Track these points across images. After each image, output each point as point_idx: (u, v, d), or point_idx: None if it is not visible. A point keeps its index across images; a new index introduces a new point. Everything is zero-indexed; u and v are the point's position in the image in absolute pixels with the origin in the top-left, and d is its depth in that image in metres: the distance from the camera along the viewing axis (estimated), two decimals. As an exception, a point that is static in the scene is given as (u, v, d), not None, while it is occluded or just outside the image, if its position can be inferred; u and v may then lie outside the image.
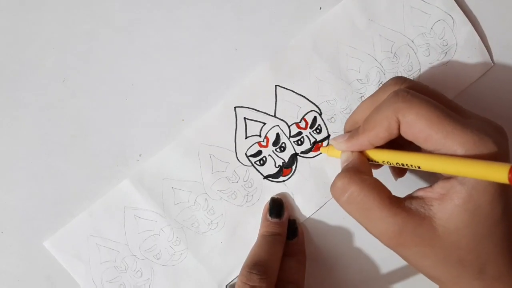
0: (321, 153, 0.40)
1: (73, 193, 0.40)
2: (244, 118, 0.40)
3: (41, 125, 0.40)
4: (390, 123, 0.30)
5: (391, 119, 0.30)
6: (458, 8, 0.40)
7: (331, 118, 0.40)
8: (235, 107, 0.40)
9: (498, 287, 0.30)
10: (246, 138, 0.40)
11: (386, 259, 0.42)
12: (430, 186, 0.30)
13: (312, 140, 0.40)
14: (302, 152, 0.41)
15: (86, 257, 0.40)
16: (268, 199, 0.41)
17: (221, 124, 0.40)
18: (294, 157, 0.41)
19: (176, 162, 0.40)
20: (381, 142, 0.32)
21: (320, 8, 0.40)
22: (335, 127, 0.40)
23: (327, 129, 0.40)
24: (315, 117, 0.40)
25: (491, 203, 0.28)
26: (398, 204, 0.30)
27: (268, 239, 0.38)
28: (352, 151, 0.34)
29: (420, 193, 0.30)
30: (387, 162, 0.32)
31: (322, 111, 0.40)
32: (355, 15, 0.40)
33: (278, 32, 0.40)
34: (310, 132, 0.40)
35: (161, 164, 0.40)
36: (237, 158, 0.40)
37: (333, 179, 0.40)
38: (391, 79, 0.34)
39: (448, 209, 0.28)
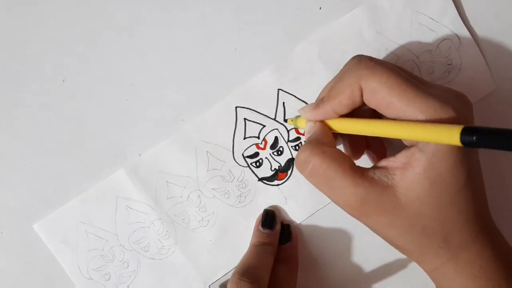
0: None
1: (73, 193, 0.40)
2: (244, 119, 0.40)
3: (41, 125, 0.40)
4: (353, 90, 0.30)
5: (354, 86, 0.30)
6: (465, 28, 0.40)
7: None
8: (236, 107, 0.40)
9: (464, 255, 0.30)
10: (245, 138, 0.40)
11: (380, 262, 0.42)
12: (394, 155, 0.30)
13: (310, 146, 0.41)
14: (299, 158, 0.41)
15: (74, 243, 0.40)
16: (261, 201, 0.41)
17: (221, 122, 0.40)
18: (290, 162, 0.41)
19: (173, 157, 0.40)
20: (345, 110, 0.32)
21: (320, 8, 0.40)
22: (334, 136, 0.40)
23: (326, 136, 0.40)
24: (315, 124, 0.40)
25: (452, 170, 0.28)
26: (360, 174, 0.30)
27: (259, 249, 0.38)
28: (315, 122, 0.33)
29: (383, 163, 0.30)
30: (349, 130, 0.32)
31: (322, 119, 0.40)
32: (364, 27, 0.40)
33: (278, 32, 0.40)
34: (308, 138, 0.40)
35: (158, 157, 0.40)
36: (233, 158, 0.40)
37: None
38: (353, 57, 0.33)
39: (409, 177, 0.28)
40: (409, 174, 0.28)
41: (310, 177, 0.31)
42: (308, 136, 0.33)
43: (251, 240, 0.40)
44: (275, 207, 0.41)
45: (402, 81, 0.28)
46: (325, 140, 0.32)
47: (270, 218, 0.40)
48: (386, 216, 0.29)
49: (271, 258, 0.38)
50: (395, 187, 0.29)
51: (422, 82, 0.31)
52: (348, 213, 0.31)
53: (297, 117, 0.37)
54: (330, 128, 0.33)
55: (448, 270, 0.30)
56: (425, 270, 0.32)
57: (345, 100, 0.31)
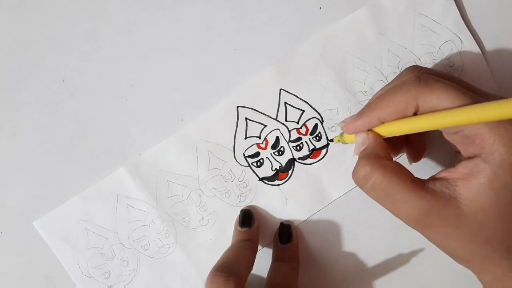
0: (319, 160, 0.41)
1: (73, 193, 0.40)
2: (246, 119, 0.40)
3: (41, 125, 0.40)
4: (407, 106, 0.30)
5: (410, 103, 0.30)
6: (468, 31, 0.40)
7: (332, 127, 0.40)
8: (237, 107, 0.40)
9: None
10: (246, 138, 0.40)
11: (381, 261, 0.42)
12: (453, 166, 0.30)
13: (311, 147, 0.41)
14: (300, 158, 0.41)
15: (74, 241, 0.40)
16: (261, 201, 0.41)
17: (222, 122, 0.40)
18: (291, 162, 0.41)
19: (174, 155, 0.40)
20: (389, 120, 0.32)
21: (320, 8, 0.40)
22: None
23: (327, 137, 0.40)
24: (316, 125, 0.40)
25: None
26: (421, 186, 0.29)
27: (237, 245, 0.38)
28: (368, 133, 0.33)
29: (443, 174, 0.30)
30: (405, 131, 0.31)
31: (323, 119, 0.40)
32: (366, 27, 0.40)
33: (278, 32, 0.40)
34: (309, 139, 0.40)
35: (159, 156, 0.40)
36: (234, 157, 0.40)
37: (328, 188, 0.40)
38: (406, 68, 0.33)
39: (474, 188, 0.28)
40: (473, 185, 0.28)
41: (371, 192, 0.31)
42: (362, 148, 0.33)
43: (231, 240, 0.40)
44: (252, 206, 0.41)
45: (463, 97, 0.28)
46: (383, 153, 0.31)
47: (247, 217, 0.40)
48: (449, 228, 0.29)
49: (250, 252, 0.38)
50: (457, 198, 0.29)
51: (483, 95, 0.31)
52: (410, 226, 0.31)
53: (341, 134, 0.37)
54: (380, 136, 0.33)
55: (510, 280, 0.30)
56: (484, 280, 0.32)
57: (395, 113, 0.31)
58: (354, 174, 0.31)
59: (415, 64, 0.35)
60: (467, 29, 0.40)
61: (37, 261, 0.41)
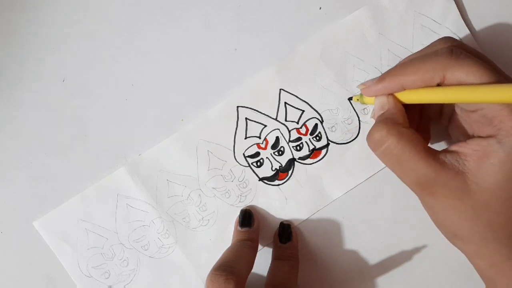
0: (319, 160, 0.41)
1: (73, 193, 0.40)
2: (246, 119, 0.40)
3: (41, 125, 0.40)
4: (433, 76, 0.30)
5: (437, 73, 0.30)
6: (468, 30, 0.40)
7: (332, 127, 0.40)
8: (237, 107, 0.40)
9: None
10: (246, 138, 0.40)
11: (381, 261, 0.42)
12: (465, 141, 0.30)
13: (311, 147, 0.41)
14: (300, 158, 0.41)
15: (74, 241, 0.40)
16: (261, 201, 0.41)
17: (222, 122, 0.40)
18: (291, 162, 0.41)
19: (174, 155, 0.40)
20: (412, 88, 0.32)
21: (320, 8, 0.40)
22: (336, 136, 0.40)
23: (327, 137, 0.40)
24: (316, 125, 0.40)
25: None
26: (433, 156, 0.30)
27: (237, 244, 0.38)
28: (387, 97, 0.33)
29: (454, 148, 0.30)
30: (428, 100, 0.31)
31: (323, 119, 0.40)
32: (366, 27, 0.40)
33: (278, 32, 0.40)
34: (309, 139, 0.40)
35: (159, 156, 0.40)
36: (234, 157, 0.40)
37: (328, 188, 0.40)
38: (439, 38, 0.33)
39: (483, 167, 0.28)
40: (483, 165, 0.28)
41: (382, 156, 0.31)
42: (381, 112, 0.33)
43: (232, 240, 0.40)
44: (252, 206, 0.41)
45: (491, 74, 0.28)
46: (401, 119, 0.32)
47: (247, 217, 0.40)
48: (453, 200, 0.29)
49: (251, 251, 0.38)
50: (466, 173, 0.29)
51: (506, 77, 0.31)
52: (414, 191, 0.31)
53: (361, 94, 0.36)
54: (400, 102, 0.32)
55: (508, 268, 0.30)
56: (479, 265, 0.31)
57: (419, 81, 0.31)
58: (369, 136, 0.32)
59: (448, 36, 0.34)
60: (467, 29, 0.40)
61: (37, 261, 0.41)
